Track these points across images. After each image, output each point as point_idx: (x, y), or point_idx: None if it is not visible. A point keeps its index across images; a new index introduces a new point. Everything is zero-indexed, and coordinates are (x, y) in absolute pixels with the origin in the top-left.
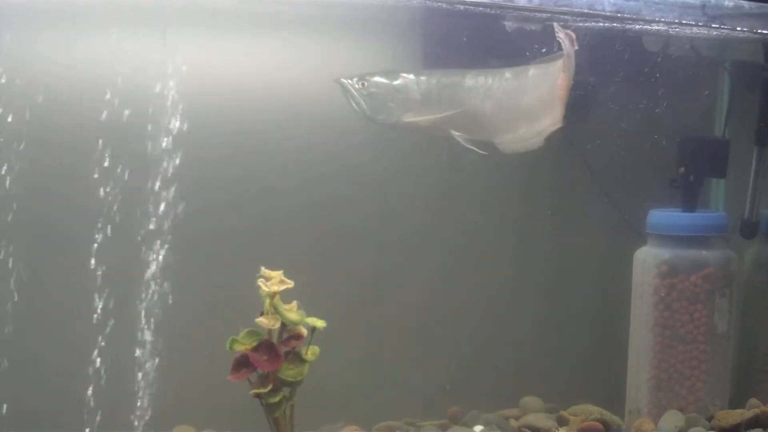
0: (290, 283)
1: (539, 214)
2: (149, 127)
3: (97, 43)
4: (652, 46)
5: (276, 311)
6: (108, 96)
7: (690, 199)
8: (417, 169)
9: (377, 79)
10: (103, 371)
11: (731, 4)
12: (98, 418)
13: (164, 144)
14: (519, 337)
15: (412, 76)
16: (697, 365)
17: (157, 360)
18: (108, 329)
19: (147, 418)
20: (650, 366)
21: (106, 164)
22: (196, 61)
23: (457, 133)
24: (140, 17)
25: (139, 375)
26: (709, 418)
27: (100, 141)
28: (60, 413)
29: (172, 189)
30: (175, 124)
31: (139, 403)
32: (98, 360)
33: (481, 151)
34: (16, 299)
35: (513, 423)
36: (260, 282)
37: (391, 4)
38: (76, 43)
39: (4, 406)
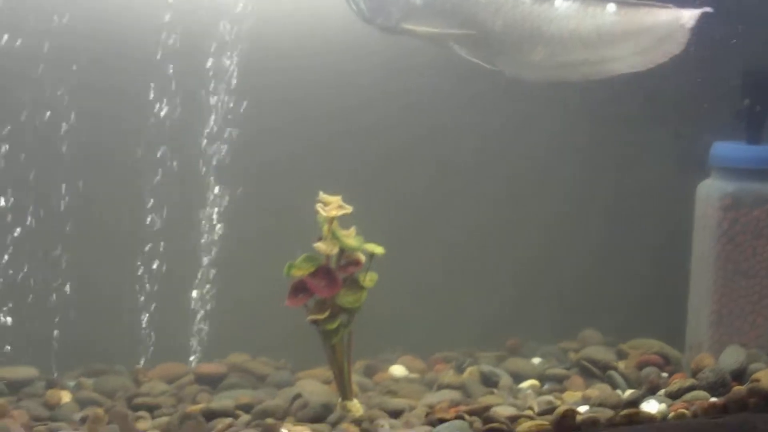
0: (348, 209)
1: (602, 146)
2: (208, 63)
3: None
4: None
5: (334, 236)
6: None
7: (755, 132)
8: (475, 95)
9: None
10: (157, 299)
11: None
12: (152, 347)
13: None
14: (579, 269)
15: None
16: (758, 300)
17: (210, 287)
18: (163, 257)
19: (203, 345)
20: (711, 301)
21: (164, 102)
22: None
23: (458, 47)
24: None
25: (194, 302)
26: None
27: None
28: (115, 342)
29: (228, 117)
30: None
31: (194, 331)
32: (153, 287)
33: (487, 65)
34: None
35: (572, 355)
36: (318, 207)
37: None
38: None
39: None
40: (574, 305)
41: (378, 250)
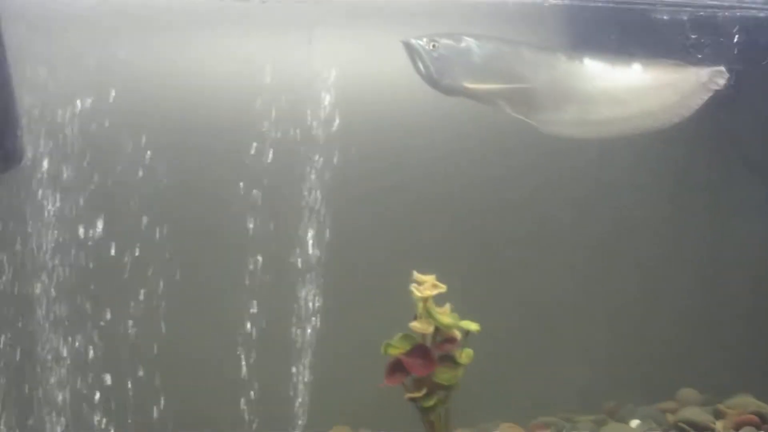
0: (443, 288)
1: (696, 203)
2: (300, 131)
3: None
4: None
5: (429, 315)
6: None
7: None
8: (563, 165)
9: (446, 40)
10: (259, 372)
11: None
12: (257, 420)
13: (315, 149)
14: (676, 328)
15: (474, 40)
16: None
17: (313, 361)
18: (264, 332)
19: (305, 419)
20: None
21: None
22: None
23: (504, 105)
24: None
25: (297, 378)
26: None
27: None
28: (220, 417)
29: (322, 195)
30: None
31: (297, 404)
32: (255, 361)
33: (530, 121)
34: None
35: (669, 417)
36: (413, 287)
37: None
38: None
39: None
40: (670, 364)
41: (473, 326)
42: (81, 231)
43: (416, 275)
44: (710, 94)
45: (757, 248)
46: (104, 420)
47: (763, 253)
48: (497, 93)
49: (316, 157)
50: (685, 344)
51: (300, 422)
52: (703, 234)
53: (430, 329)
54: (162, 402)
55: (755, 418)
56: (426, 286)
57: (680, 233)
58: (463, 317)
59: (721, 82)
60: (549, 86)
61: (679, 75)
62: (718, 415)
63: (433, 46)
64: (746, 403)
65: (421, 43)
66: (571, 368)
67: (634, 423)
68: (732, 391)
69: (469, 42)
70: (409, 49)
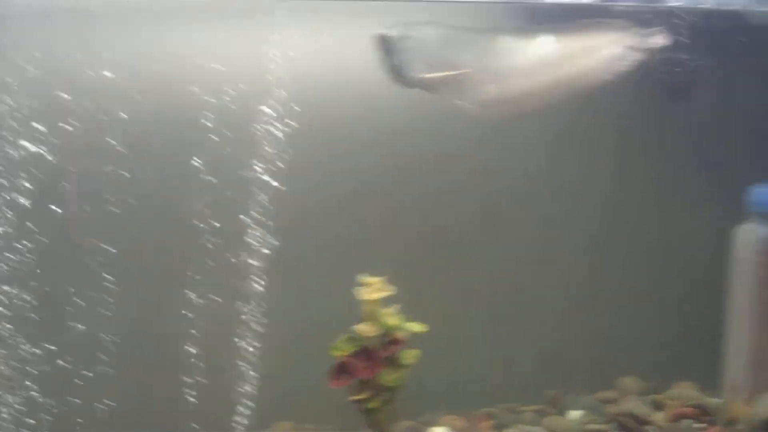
0: (390, 290)
1: (640, 194)
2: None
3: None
4: (757, 19)
5: (375, 317)
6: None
7: None
8: (505, 153)
9: (413, 33)
10: (204, 370)
11: None
12: (200, 416)
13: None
14: (617, 316)
15: (428, 29)
16: None
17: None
18: (209, 330)
19: (248, 415)
20: (749, 344)
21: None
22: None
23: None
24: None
25: (241, 375)
26: None
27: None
28: (162, 413)
29: (270, 193)
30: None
31: (241, 400)
32: (198, 357)
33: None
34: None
35: (610, 409)
36: (360, 290)
37: None
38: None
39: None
40: (612, 351)
41: (419, 328)
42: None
43: (363, 278)
44: (640, 56)
45: (699, 238)
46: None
47: (705, 242)
48: (448, 80)
49: (267, 153)
50: (627, 332)
51: (243, 419)
52: (647, 222)
53: (376, 331)
54: (102, 400)
55: (695, 411)
56: (372, 288)
57: (623, 221)
58: (403, 307)
59: (653, 42)
60: (493, 68)
61: (596, 40)
62: (658, 406)
63: (405, 37)
64: (686, 394)
65: (395, 35)
66: (513, 358)
67: (576, 413)
68: (673, 379)
69: (426, 31)
70: (383, 42)
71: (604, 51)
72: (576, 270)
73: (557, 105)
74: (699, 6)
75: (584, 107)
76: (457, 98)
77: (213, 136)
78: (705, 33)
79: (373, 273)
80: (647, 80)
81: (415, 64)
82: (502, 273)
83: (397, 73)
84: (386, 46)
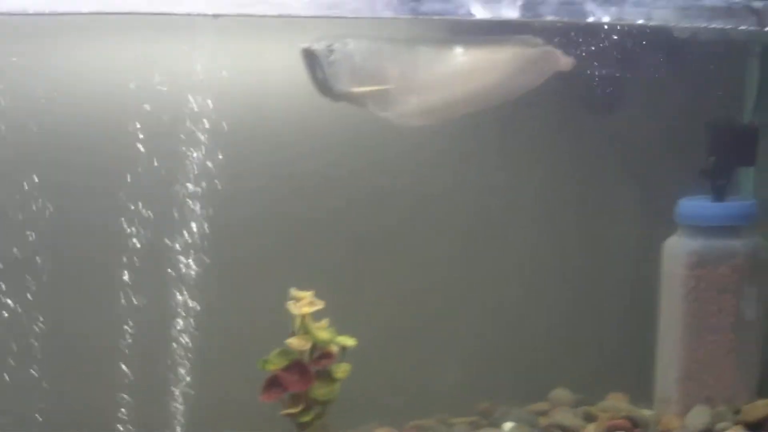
0: (320, 304)
1: (567, 205)
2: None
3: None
4: (681, 33)
5: (306, 331)
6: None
7: (719, 189)
8: (436, 165)
9: (339, 45)
10: (134, 382)
11: (760, 4)
12: (134, 424)
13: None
14: (547, 328)
15: (353, 41)
16: (726, 354)
17: (188, 372)
18: (138, 343)
19: (182, 425)
20: (679, 356)
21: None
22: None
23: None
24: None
25: (172, 387)
26: (737, 411)
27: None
28: (94, 421)
29: (198, 206)
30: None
31: (172, 413)
32: (128, 371)
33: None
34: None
35: (542, 421)
36: (290, 303)
37: None
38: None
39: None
40: (543, 364)
41: (350, 342)
42: None
43: (293, 292)
44: (547, 73)
45: (629, 251)
46: None
47: (635, 256)
48: (373, 93)
49: (194, 164)
50: (559, 344)
51: (178, 428)
52: (577, 236)
53: (308, 345)
54: (35, 402)
55: (626, 423)
56: (303, 302)
57: (554, 233)
58: (334, 319)
59: (562, 63)
60: (416, 79)
61: (505, 54)
62: (590, 418)
63: (331, 51)
64: (618, 407)
65: (320, 48)
66: (445, 369)
67: (508, 426)
68: (605, 391)
69: (352, 44)
70: (309, 56)
71: (510, 66)
72: (507, 283)
73: (479, 119)
74: (623, 21)
75: (508, 122)
76: (382, 110)
77: (138, 149)
78: (629, 48)
79: (303, 285)
80: (572, 95)
81: (340, 78)
82: (434, 284)
83: (324, 87)
84: (312, 60)
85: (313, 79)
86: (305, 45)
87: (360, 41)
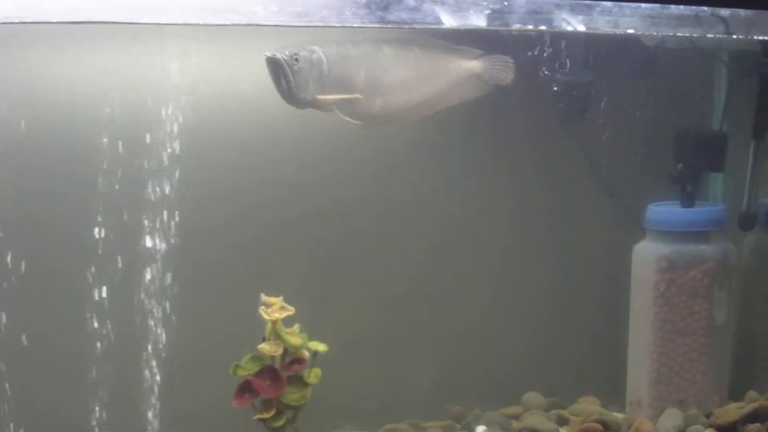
0: (291, 310)
1: (537, 210)
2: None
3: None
4: (649, 40)
5: (278, 337)
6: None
7: (688, 194)
8: (406, 173)
9: (305, 53)
10: (106, 387)
11: (727, 12)
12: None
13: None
14: (519, 333)
15: (320, 48)
16: (697, 358)
17: (159, 378)
18: (114, 346)
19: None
20: (650, 359)
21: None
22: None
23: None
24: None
25: (147, 389)
26: (708, 415)
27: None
28: (65, 424)
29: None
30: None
31: (145, 419)
32: (104, 368)
33: (354, 121)
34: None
35: (514, 425)
36: (261, 309)
37: None
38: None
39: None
40: (515, 368)
41: (321, 347)
42: None
43: (264, 297)
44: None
45: (600, 256)
46: None
47: (606, 260)
48: (340, 100)
49: (162, 167)
50: (531, 347)
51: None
52: (548, 239)
53: (279, 351)
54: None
55: (598, 426)
56: (274, 308)
57: (525, 238)
58: (306, 324)
59: (503, 75)
60: (366, 79)
61: (455, 63)
62: (562, 421)
63: (296, 59)
64: (590, 410)
65: (285, 57)
66: (418, 373)
67: (480, 429)
68: (577, 394)
69: (319, 52)
70: (274, 64)
71: (451, 76)
72: (479, 288)
73: (447, 126)
74: (591, 29)
75: (478, 128)
76: (346, 114)
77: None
78: (598, 56)
79: (274, 291)
80: (541, 102)
81: (306, 86)
82: (406, 288)
83: (289, 96)
84: (276, 68)
85: (278, 88)
86: (269, 54)
87: (327, 48)
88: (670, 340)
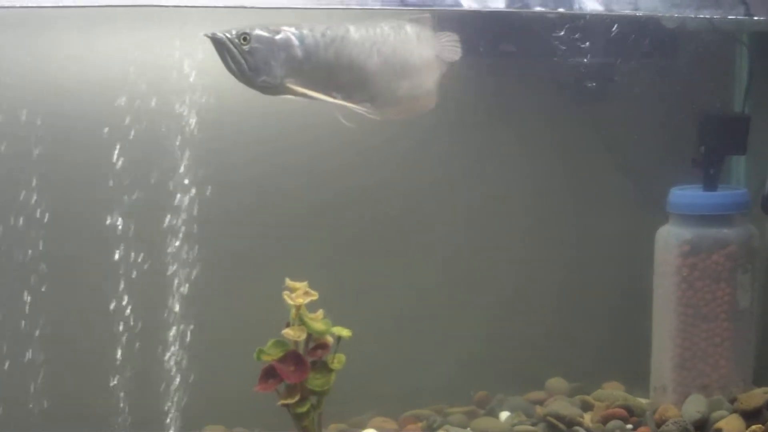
0: (315, 295)
1: (560, 196)
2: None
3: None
4: (670, 22)
5: (302, 322)
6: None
7: (711, 178)
8: (425, 158)
9: (259, 32)
10: (134, 373)
11: None
12: (130, 418)
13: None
14: (543, 318)
15: (294, 30)
16: (720, 342)
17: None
18: (138, 334)
19: (178, 418)
20: (674, 344)
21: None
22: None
23: (339, 99)
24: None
25: (171, 376)
26: (732, 400)
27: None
28: (92, 414)
29: (190, 196)
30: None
31: (171, 403)
32: (129, 360)
33: (349, 124)
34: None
35: (539, 410)
36: (285, 294)
37: None
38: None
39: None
40: (539, 353)
41: (345, 332)
42: None
43: (288, 282)
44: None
45: (623, 241)
46: None
47: (629, 245)
48: (328, 83)
49: (175, 158)
50: (555, 332)
51: (174, 421)
52: (570, 225)
53: (303, 336)
54: (32, 397)
55: (623, 412)
56: (298, 293)
57: (547, 224)
58: (329, 310)
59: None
60: (383, 64)
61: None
62: (586, 407)
63: (244, 39)
64: (614, 395)
65: (229, 36)
66: (441, 359)
67: (504, 415)
68: (601, 380)
69: (288, 33)
70: (216, 44)
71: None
72: (503, 272)
73: (465, 113)
74: (611, 12)
75: (497, 115)
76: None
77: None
78: (618, 37)
79: (298, 277)
80: (561, 85)
81: (263, 67)
82: (430, 275)
83: (241, 76)
84: (221, 48)
85: (228, 68)
86: (209, 33)
87: (309, 30)
88: (693, 324)
